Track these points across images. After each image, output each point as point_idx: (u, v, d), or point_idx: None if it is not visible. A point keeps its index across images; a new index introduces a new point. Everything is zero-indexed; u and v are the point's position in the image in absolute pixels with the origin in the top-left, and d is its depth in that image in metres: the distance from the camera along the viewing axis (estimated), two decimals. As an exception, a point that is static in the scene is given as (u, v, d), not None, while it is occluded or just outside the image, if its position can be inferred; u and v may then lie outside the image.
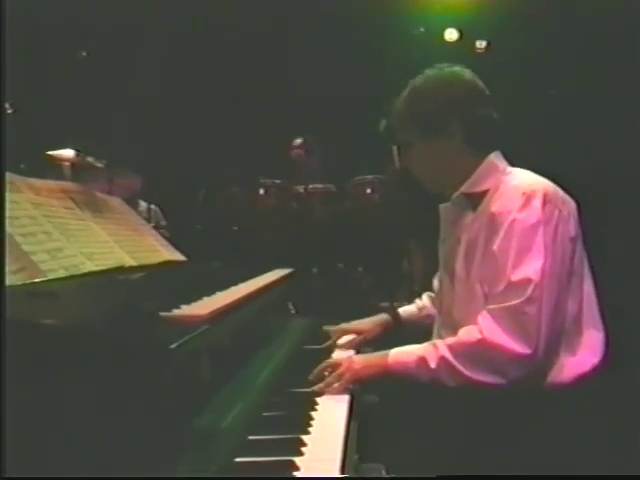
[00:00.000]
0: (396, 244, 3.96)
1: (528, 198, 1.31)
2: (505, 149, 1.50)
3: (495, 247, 1.31)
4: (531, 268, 1.26)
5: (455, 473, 1.26)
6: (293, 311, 2.19)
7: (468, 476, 1.26)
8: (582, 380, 1.32)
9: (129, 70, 4.90)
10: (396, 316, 1.78)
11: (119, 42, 4.98)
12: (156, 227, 3.87)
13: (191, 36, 5.07)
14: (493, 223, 1.34)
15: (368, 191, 4.11)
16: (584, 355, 1.34)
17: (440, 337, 1.53)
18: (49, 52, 4.79)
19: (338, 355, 1.57)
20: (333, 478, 0.93)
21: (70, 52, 5.14)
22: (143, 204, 3.94)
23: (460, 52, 5.50)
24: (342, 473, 0.93)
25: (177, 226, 4.13)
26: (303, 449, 0.99)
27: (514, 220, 1.30)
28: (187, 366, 0.85)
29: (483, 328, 1.28)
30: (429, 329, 1.65)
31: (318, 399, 1.24)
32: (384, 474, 1.39)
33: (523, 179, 1.39)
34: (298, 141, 4.76)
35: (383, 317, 1.78)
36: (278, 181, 4.23)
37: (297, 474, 0.90)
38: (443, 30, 5.63)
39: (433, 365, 1.29)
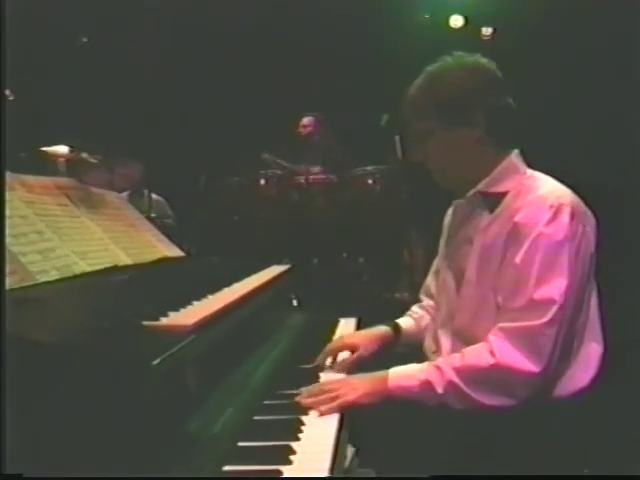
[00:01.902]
0: (397, 235, 3.94)
1: (556, 211, 1.25)
2: (521, 142, 1.45)
3: (517, 260, 1.26)
4: (555, 288, 1.21)
5: (448, 473, 1.25)
6: (295, 303, 2.17)
7: (463, 476, 1.25)
8: (579, 394, 1.29)
9: (129, 56, 4.87)
10: (397, 328, 1.64)
11: (120, 28, 4.94)
12: (160, 218, 3.88)
13: (192, 22, 5.02)
14: (516, 233, 1.28)
15: (369, 182, 4.09)
16: (583, 368, 1.31)
17: (436, 338, 1.50)
18: (49, 38, 4.75)
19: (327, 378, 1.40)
20: (326, 478, 0.93)
21: (70, 38, 5.11)
22: (146, 194, 3.94)
23: (465, 39, 5.42)
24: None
25: (178, 216, 4.13)
26: (292, 457, 0.98)
27: (540, 234, 1.25)
28: (171, 380, 0.84)
29: (496, 350, 1.22)
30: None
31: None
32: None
33: (550, 188, 1.32)
34: (306, 120, 4.73)
35: (382, 330, 1.62)
36: (279, 172, 4.20)
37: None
38: (448, 16, 5.54)
39: (440, 390, 1.24)
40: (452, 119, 1.38)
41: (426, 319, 1.67)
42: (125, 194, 3.95)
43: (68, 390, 0.78)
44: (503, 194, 1.37)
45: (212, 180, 4.26)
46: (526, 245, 1.25)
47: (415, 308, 1.73)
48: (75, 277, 1.24)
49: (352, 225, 4.09)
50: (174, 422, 0.93)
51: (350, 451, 1.57)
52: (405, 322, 1.69)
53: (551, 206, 1.26)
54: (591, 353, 1.33)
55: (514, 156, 1.41)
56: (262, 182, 4.17)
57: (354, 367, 1.48)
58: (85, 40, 5.25)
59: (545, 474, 1.23)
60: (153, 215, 3.83)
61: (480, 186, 1.39)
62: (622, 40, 4.34)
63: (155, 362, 0.75)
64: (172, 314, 1.01)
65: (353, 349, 1.55)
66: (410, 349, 1.64)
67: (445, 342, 1.46)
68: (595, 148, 4.29)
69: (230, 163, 4.42)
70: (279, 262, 3.11)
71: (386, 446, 1.37)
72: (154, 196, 4.05)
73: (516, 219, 1.29)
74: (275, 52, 5.08)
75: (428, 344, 1.56)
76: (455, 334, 1.43)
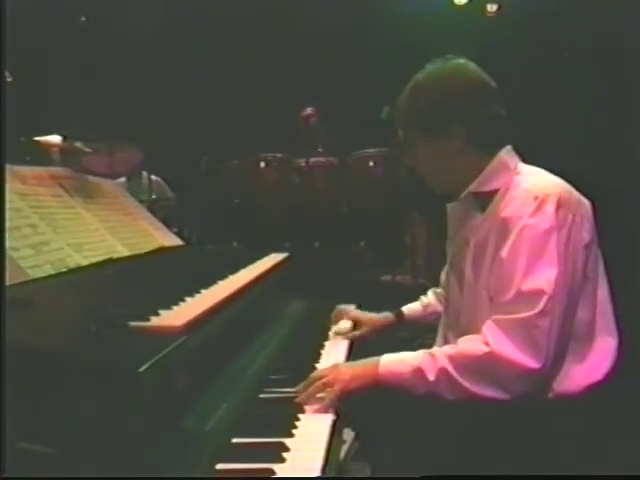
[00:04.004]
0: (399, 218, 3.91)
1: (541, 203, 1.24)
2: (509, 142, 1.41)
3: (503, 254, 1.25)
4: (543, 278, 1.20)
5: (447, 473, 1.24)
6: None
7: (459, 476, 1.24)
8: (592, 388, 1.26)
9: (129, 36, 4.80)
10: (400, 315, 1.75)
11: (119, 8, 4.87)
12: (160, 200, 3.87)
13: (191, 4, 4.94)
14: (503, 228, 1.28)
15: (371, 164, 4.05)
16: (594, 362, 1.29)
17: (445, 339, 1.51)
18: (47, 18, 4.69)
19: (333, 340, 1.67)
20: (320, 477, 0.93)
21: (69, 17, 5.04)
22: (145, 176, 3.92)
23: (470, 16, 5.32)
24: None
25: (178, 201, 4.11)
26: (285, 455, 0.98)
27: (525, 226, 1.24)
28: (161, 382, 0.84)
29: (490, 340, 1.21)
30: (434, 326, 1.61)
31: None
32: (369, 472, 1.39)
33: (536, 181, 1.31)
34: (310, 109, 4.73)
35: (387, 315, 1.77)
36: (279, 155, 4.16)
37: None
38: (452, -8, 5.43)
39: (431, 377, 1.22)
40: (431, 131, 1.38)
41: (434, 306, 1.73)
42: (124, 178, 3.94)
43: (53, 393, 0.77)
44: (494, 192, 1.36)
45: (212, 164, 4.22)
46: (511, 239, 1.25)
47: (430, 292, 1.78)
48: (67, 272, 1.23)
49: (353, 208, 4.07)
50: (166, 421, 0.93)
51: (349, 435, 1.58)
52: (410, 308, 1.77)
53: (535, 197, 1.25)
54: (604, 347, 1.30)
55: (504, 153, 1.39)
56: (262, 165, 4.14)
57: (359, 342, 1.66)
58: (83, 19, 5.17)
59: (545, 474, 1.21)
60: (153, 197, 3.82)
61: (471, 187, 1.39)
62: (630, 21, 4.23)
63: (142, 369, 0.74)
64: (163, 312, 1.00)
65: (357, 322, 1.77)
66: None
67: (453, 342, 1.43)
68: (603, 133, 4.20)
69: (230, 146, 4.38)
70: (279, 246, 3.12)
71: (384, 439, 1.36)
72: (153, 177, 4.03)
73: (502, 214, 1.29)
74: (275, 33, 5.00)
75: (438, 344, 1.55)
76: (461, 334, 1.40)
